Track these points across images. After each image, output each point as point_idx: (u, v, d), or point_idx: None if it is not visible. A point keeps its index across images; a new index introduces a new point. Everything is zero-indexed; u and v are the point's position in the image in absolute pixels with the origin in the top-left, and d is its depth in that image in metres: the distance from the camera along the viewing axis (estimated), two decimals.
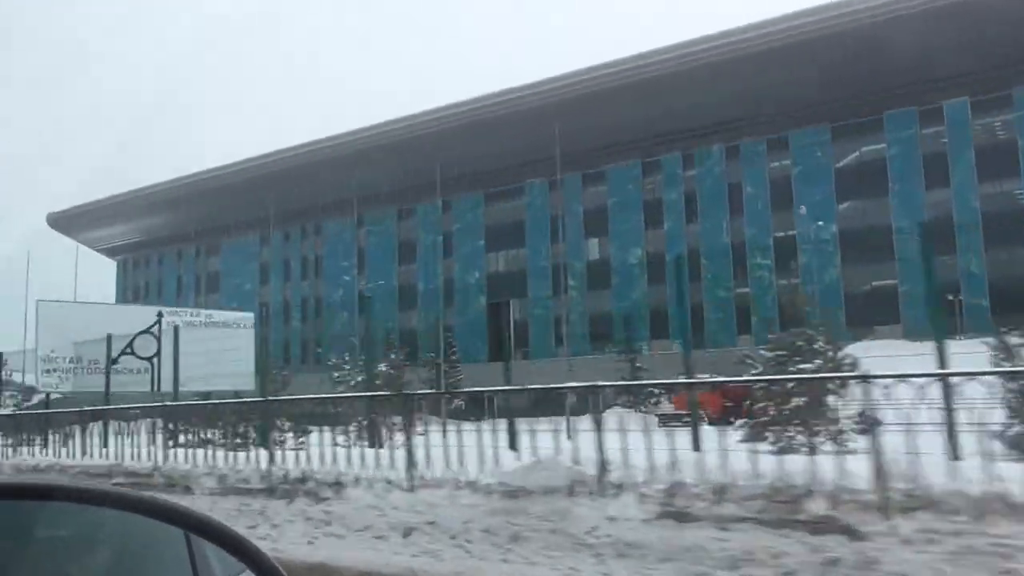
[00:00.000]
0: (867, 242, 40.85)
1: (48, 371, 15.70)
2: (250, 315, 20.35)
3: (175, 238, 69.24)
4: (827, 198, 42.62)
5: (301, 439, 12.31)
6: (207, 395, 16.94)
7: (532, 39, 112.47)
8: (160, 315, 16.83)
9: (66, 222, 71.06)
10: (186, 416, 13.01)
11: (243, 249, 65.13)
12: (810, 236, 42.39)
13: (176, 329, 14.78)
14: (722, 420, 25.38)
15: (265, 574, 1.37)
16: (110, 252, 74.70)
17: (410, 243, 56.91)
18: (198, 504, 8.59)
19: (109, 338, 14.63)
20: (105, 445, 12.89)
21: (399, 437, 9.67)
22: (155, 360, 14.88)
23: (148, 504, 1.33)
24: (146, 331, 15.58)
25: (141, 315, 17.73)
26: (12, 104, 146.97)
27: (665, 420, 18.20)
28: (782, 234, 43.56)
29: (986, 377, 7.72)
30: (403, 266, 57.02)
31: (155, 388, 15.15)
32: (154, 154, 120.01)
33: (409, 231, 57.29)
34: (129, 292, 73.77)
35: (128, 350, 15.26)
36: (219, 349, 14.47)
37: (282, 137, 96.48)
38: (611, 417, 7.67)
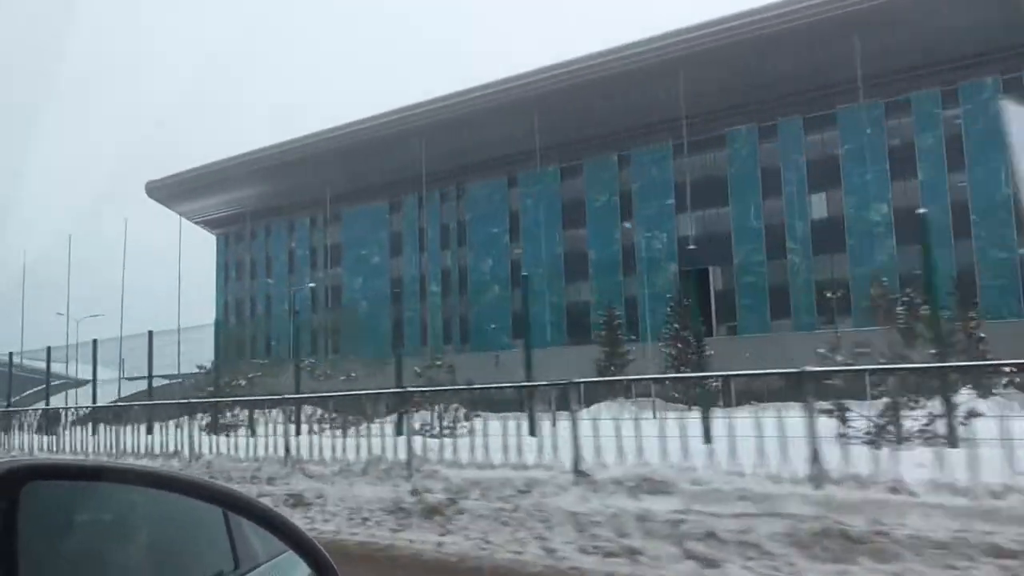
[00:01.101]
0: None
1: None
2: None
3: (286, 208, 62.76)
4: None
5: None
6: None
7: None
8: None
9: (165, 192, 64.86)
10: None
11: (370, 217, 58.53)
12: None
13: None
14: None
15: (305, 552, 1.39)
16: (211, 225, 68.44)
17: (577, 204, 49.92)
18: None
19: None
20: None
21: None
22: None
23: (186, 483, 1.36)
24: None
25: None
26: (113, 69, 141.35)
27: None
28: None
29: None
30: (569, 231, 50.08)
31: None
32: (262, 118, 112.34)
33: (575, 191, 50.30)
34: (232, 269, 67.56)
35: None
36: None
37: (410, 94, 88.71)
38: None
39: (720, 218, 45.14)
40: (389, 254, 57.87)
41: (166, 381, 51.19)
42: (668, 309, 36.66)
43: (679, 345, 32.80)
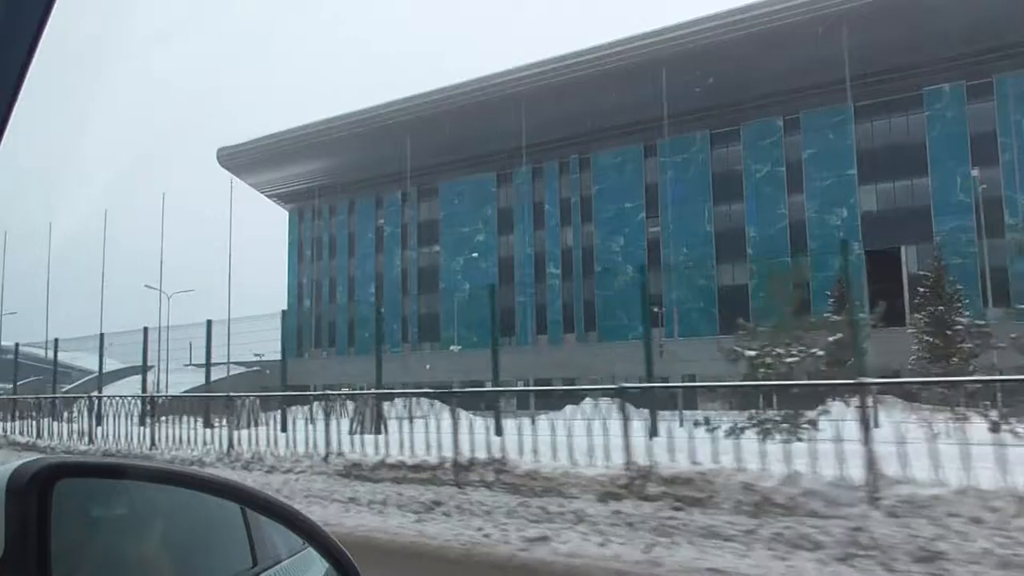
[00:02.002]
0: None
1: None
2: None
3: (372, 181, 56.74)
4: None
5: None
6: None
7: None
8: None
9: (236, 160, 58.87)
10: None
11: (473, 191, 52.46)
12: None
13: None
14: None
15: (325, 549, 1.39)
16: (284, 198, 62.40)
17: (730, 175, 43.85)
18: None
19: None
20: None
21: None
22: None
23: (207, 482, 1.36)
24: None
25: None
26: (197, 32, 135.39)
27: None
28: None
29: None
30: (721, 206, 44.03)
31: None
32: (346, 82, 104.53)
33: (729, 160, 44.22)
34: (307, 248, 61.51)
35: None
36: None
37: (514, 56, 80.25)
38: None
39: (915, 190, 39.10)
40: (496, 231, 51.79)
41: (242, 369, 44.78)
42: (922, 290, 30.57)
43: (948, 332, 26.77)
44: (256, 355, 44.54)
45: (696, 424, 7.53)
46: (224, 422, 11.38)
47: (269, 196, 62.20)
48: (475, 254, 51.94)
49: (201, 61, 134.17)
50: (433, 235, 54.57)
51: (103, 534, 1.25)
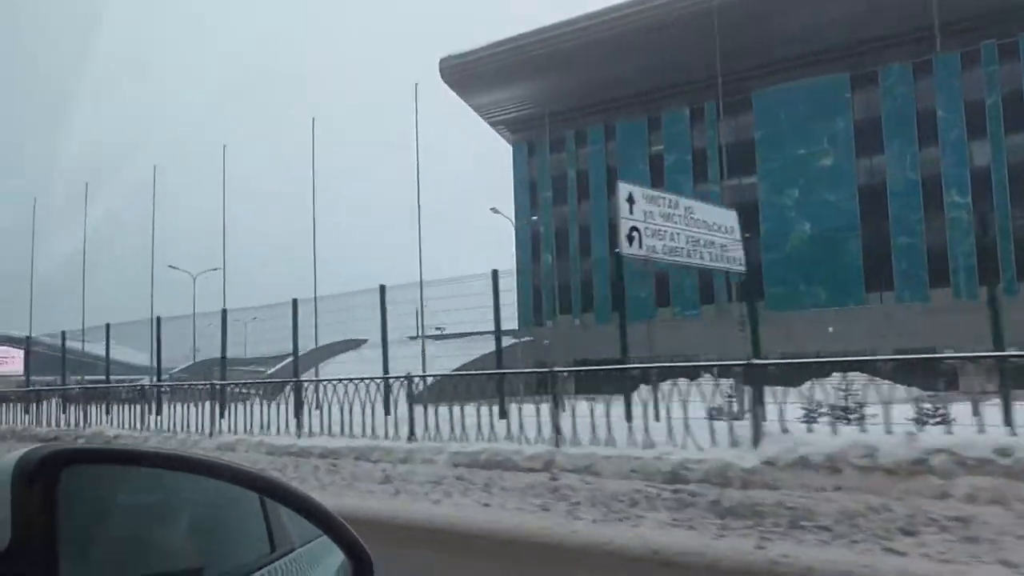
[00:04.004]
0: None
1: None
2: None
3: (642, 97, 43.68)
4: None
5: None
6: None
7: None
8: None
9: (463, 74, 46.09)
10: None
11: (810, 98, 38.97)
12: None
13: None
14: None
15: (337, 536, 1.41)
16: (512, 126, 49.49)
17: None
18: None
19: None
20: None
21: None
22: None
23: (221, 468, 1.36)
24: None
25: None
26: None
27: None
28: None
29: None
30: None
31: None
32: None
33: None
34: (545, 187, 48.50)
35: None
36: None
37: None
38: None
39: None
40: (854, 152, 38.32)
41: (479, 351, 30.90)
42: None
43: None
44: (437, 328, 33.16)
45: None
46: None
47: (493, 123, 49.41)
48: (818, 184, 38.58)
49: None
50: (745, 162, 41.20)
51: (118, 521, 1.22)
